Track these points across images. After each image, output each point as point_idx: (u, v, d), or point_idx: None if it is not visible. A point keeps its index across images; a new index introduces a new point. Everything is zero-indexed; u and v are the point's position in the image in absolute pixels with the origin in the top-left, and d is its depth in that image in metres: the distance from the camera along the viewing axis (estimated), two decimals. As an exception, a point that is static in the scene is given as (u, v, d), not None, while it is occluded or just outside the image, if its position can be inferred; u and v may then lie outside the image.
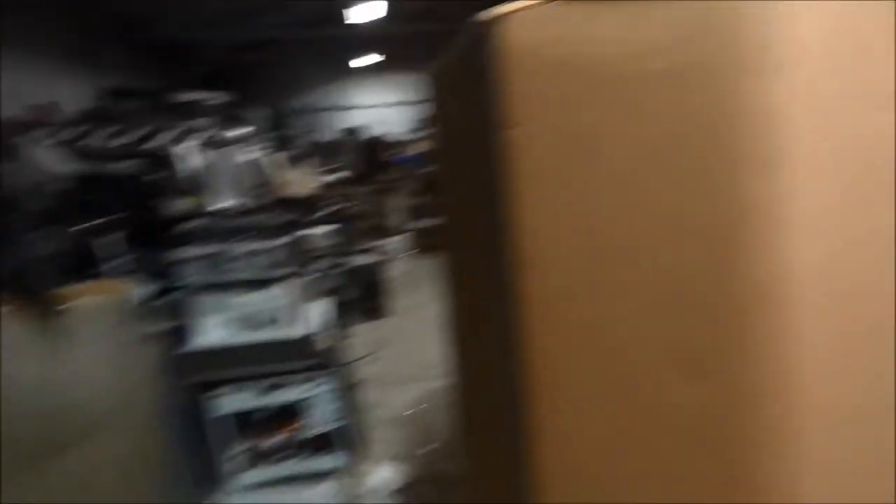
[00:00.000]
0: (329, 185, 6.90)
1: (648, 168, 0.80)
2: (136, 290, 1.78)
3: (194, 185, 3.97)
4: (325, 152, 9.71)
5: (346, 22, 9.98)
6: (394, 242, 7.61)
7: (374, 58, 14.78)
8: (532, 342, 0.87)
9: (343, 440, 2.35)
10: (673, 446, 0.84)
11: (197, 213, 3.45)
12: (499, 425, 1.12)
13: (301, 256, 2.31)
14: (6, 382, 1.55)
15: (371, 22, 10.04)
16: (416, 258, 7.86)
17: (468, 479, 1.64)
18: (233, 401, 2.19)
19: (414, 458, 3.28)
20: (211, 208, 3.66)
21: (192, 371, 2.10)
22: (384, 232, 7.65)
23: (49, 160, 3.59)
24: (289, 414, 2.31)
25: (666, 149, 0.79)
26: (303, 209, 4.74)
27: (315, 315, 2.42)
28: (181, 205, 3.64)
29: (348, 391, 2.33)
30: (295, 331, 2.21)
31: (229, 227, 2.31)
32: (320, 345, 2.34)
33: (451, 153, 1.28)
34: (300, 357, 2.19)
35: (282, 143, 8.46)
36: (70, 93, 7.34)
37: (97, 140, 5.00)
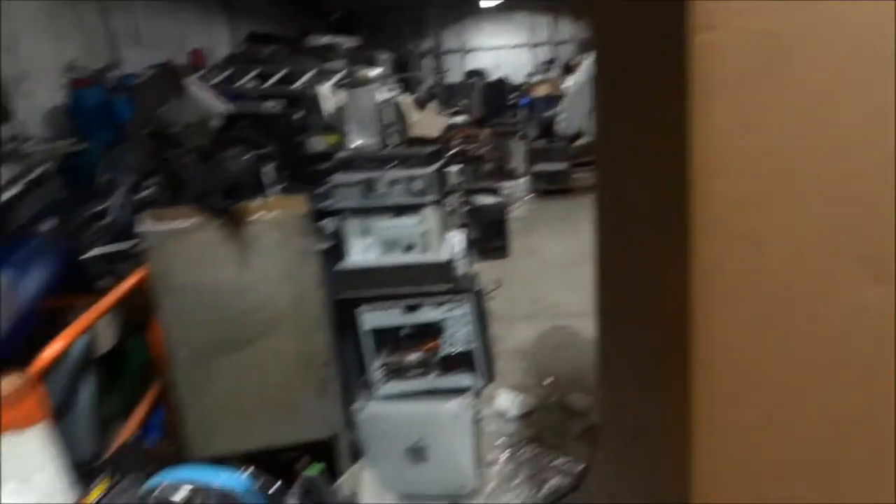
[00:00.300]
0: (455, 127, 7.00)
1: (841, 86, 0.81)
2: (306, 207, 1.97)
3: (334, 123, 4.20)
4: (451, 94, 9.79)
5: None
6: (516, 185, 7.64)
7: (498, -1, 14.49)
8: (707, 253, 0.91)
9: (474, 362, 2.49)
10: (861, 347, 0.87)
11: (337, 150, 3.66)
12: (653, 355, 1.17)
13: (441, 187, 2.43)
14: (203, 284, 1.80)
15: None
16: (536, 201, 7.87)
17: (604, 415, 1.69)
18: (379, 317, 2.38)
19: (536, 389, 3.42)
20: (350, 145, 3.87)
21: (345, 287, 2.30)
22: (506, 174, 7.69)
23: (208, 100, 3.93)
24: (428, 333, 2.48)
25: (861, 69, 0.80)
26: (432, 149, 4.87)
27: (452, 244, 2.55)
28: (322, 142, 3.88)
29: (481, 317, 2.45)
30: (437, 255, 2.35)
31: (374, 157, 2.46)
32: (458, 271, 2.47)
33: (617, 71, 1.30)
34: (441, 280, 2.33)
35: (410, 86, 8.63)
36: (218, 39, 7.87)
37: (244, 82, 5.36)
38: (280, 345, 2.00)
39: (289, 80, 5.51)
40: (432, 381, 2.51)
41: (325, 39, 7.04)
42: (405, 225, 2.33)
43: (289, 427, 2.10)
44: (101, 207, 3.18)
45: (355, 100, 4.38)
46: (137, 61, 5.94)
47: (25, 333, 1.63)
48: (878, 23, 0.79)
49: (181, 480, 1.36)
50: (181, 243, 1.84)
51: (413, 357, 2.50)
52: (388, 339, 2.51)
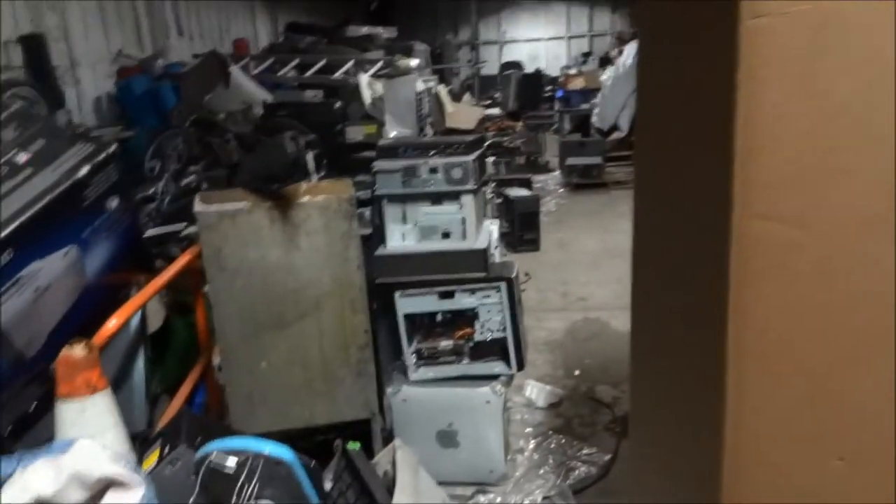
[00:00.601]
0: (490, 119, 7.03)
1: (886, 74, 0.84)
2: (350, 192, 2.04)
3: (372, 113, 4.27)
4: (487, 86, 9.80)
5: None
6: (549, 178, 7.64)
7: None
8: (748, 231, 0.94)
9: (506, 350, 2.54)
10: (885, 333, 0.90)
11: (375, 140, 3.73)
12: (688, 343, 1.19)
13: (479, 176, 2.47)
14: (253, 264, 1.88)
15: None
16: (569, 195, 7.86)
17: (633, 406, 1.71)
18: (416, 302, 2.44)
19: (564, 380, 3.45)
20: (388, 136, 3.93)
21: (383, 272, 2.37)
22: (540, 167, 7.70)
23: (251, 88, 4.03)
24: (461, 320, 2.54)
25: None
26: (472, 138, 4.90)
27: (488, 233, 2.60)
28: (360, 131, 3.94)
29: (513, 306, 2.49)
30: (474, 243, 2.40)
31: (415, 145, 2.51)
32: (492, 260, 2.52)
33: (663, 58, 1.33)
34: (476, 268, 2.38)
35: (446, 77, 8.67)
36: (260, 30, 8.01)
37: (284, 71, 5.46)
38: (322, 325, 2.07)
39: (328, 69, 5.60)
40: (464, 367, 2.56)
41: (364, 30, 7.12)
42: (444, 212, 2.38)
43: (328, 406, 2.18)
44: (149, 192, 3.31)
45: (394, 90, 4.44)
46: (183, 51, 6.10)
47: (92, 307, 1.73)
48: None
49: (232, 449, 1.45)
50: (233, 224, 1.92)
51: (446, 343, 2.56)
52: (423, 324, 2.57)
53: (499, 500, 2.50)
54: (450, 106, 5.35)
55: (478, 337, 2.54)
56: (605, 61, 10.46)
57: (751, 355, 0.98)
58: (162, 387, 2.34)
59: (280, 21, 8.67)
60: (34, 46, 4.67)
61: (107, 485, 1.27)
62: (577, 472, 2.64)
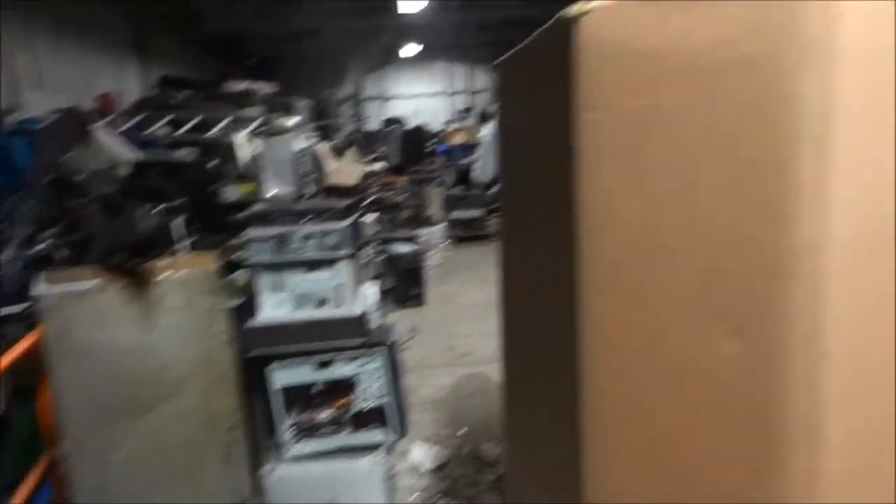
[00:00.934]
0: (373, 174, 7.06)
1: (707, 148, 0.92)
2: (216, 264, 1.93)
3: (249, 172, 4.16)
4: (370, 142, 9.88)
5: (392, 11, 10.10)
6: (432, 232, 7.75)
7: (416, 48, 14.88)
8: (592, 308, 1.00)
9: (387, 417, 2.48)
10: (712, 398, 0.96)
11: (253, 200, 3.62)
12: (550, 397, 1.24)
13: (355, 240, 2.45)
14: (104, 347, 1.73)
15: (415, 13, 10.15)
16: (453, 248, 8.00)
17: (509, 461, 1.74)
18: (290, 374, 2.34)
19: (449, 440, 3.43)
20: (266, 195, 3.84)
21: (255, 344, 2.26)
22: (423, 221, 7.79)
23: (116, 147, 3.80)
24: (340, 389, 2.46)
25: (725, 132, 0.91)
26: (349, 198, 4.89)
27: (366, 297, 2.56)
28: (237, 191, 3.82)
29: (394, 370, 2.46)
30: (350, 309, 2.36)
31: (288, 211, 2.45)
32: (371, 325, 2.48)
33: (518, 139, 1.40)
34: (354, 335, 2.33)
35: (328, 133, 8.65)
36: (129, 83, 7.65)
37: (155, 128, 5.22)
38: (184, 408, 1.93)
39: (203, 126, 5.41)
40: (344, 438, 2.48)
41: (242, 85, 6.98)
42: (318, 279, 2.33)
43: (193, 495, 2.01)
44: (-7, 260, 2.98)
45: (272, 148, 4.36)
46: (40, 105, 5.69)
47: None
48: (739, 99, 0.90)
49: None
50: (80, 306, 1.77)
51: (325, 414, 2.47)
52: (299, 396, 2.47)
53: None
54: (331, 163, 5.32)
55: (357, 405, 2.47)
56: (485, 117, 10.89)
57: (602, 420, 1.03)
58: (0, 485, 2.07)
59: (153, 74, 8.33)
60: None
61: None
62: (464, 536, 2.60)
